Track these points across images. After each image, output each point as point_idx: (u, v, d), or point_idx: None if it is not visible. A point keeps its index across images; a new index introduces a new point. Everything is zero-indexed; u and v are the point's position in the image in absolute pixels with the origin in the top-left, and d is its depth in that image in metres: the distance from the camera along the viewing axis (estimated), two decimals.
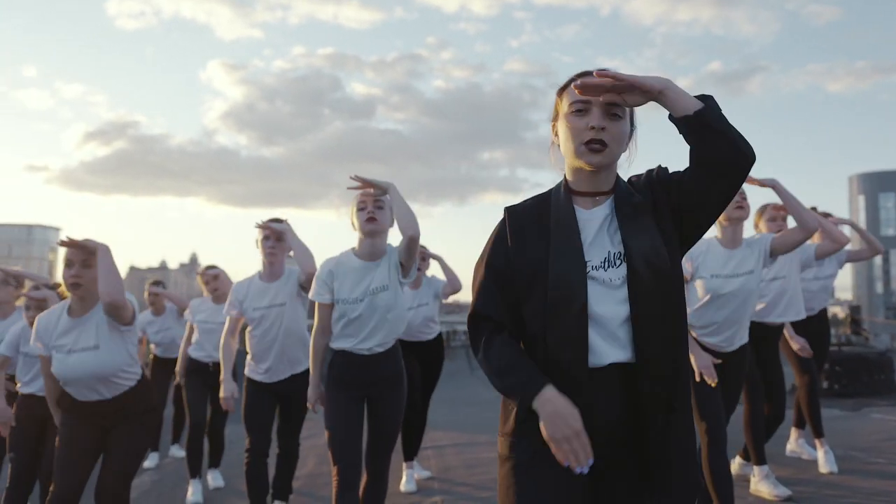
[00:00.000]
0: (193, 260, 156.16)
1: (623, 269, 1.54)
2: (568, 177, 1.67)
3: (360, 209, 3.13)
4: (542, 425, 1.49)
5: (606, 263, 1.55)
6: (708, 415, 3.24)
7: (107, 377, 3.03)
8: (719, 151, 1.49)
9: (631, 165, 1.70)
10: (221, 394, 3.86)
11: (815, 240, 4.39)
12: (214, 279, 5.12)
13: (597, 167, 1.59)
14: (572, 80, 1.63)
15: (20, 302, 4.31)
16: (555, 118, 1.68)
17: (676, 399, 1.55)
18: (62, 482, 2.98)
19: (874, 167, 61.52)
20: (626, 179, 1.68)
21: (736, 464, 4.53)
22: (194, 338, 5.08)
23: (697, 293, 3.36)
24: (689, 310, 3.39)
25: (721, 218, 3.39)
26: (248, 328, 3.88)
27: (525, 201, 1.70)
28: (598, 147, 1.56)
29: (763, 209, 4.41)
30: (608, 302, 1.53)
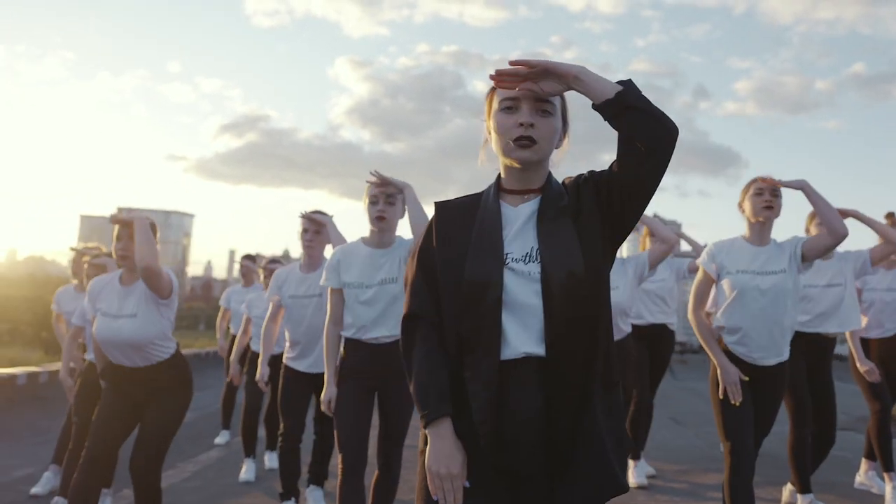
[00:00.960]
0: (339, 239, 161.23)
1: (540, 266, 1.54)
2: (501, 174, 1.68)
3: (372, 203, 3.19)
4: (426, 451, 1.53)
5: (528, 258, 1.55)
6: (732, 435, 3.09)
7: (140, 346, 3.23)
8: (644, 130, 1.49)
9: (560, 163, 1.70)
10: (256, 376, 4.02)
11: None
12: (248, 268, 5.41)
13: (525, 164, 1.60)
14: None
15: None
16: (487, 116, 1.68)
17: (587, 398, 1.52)
18: (94, 444, 3.21)
19: None
20: (560, 180, 1.67)
21: (786, 491, 4.29)
22: (251, 329, 5.36)
23: (725, 293, 3.22)
24: (718, 312, 3.27)
25: (749, 215, 3.26)
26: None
27: (457, 198, 1.72)
28: (527, 143, 1.57)
29: (814, 215, 4.13)
30: (526, 293, 1.53)
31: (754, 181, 3.31)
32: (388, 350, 3.16)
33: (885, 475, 4.36)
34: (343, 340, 3.26)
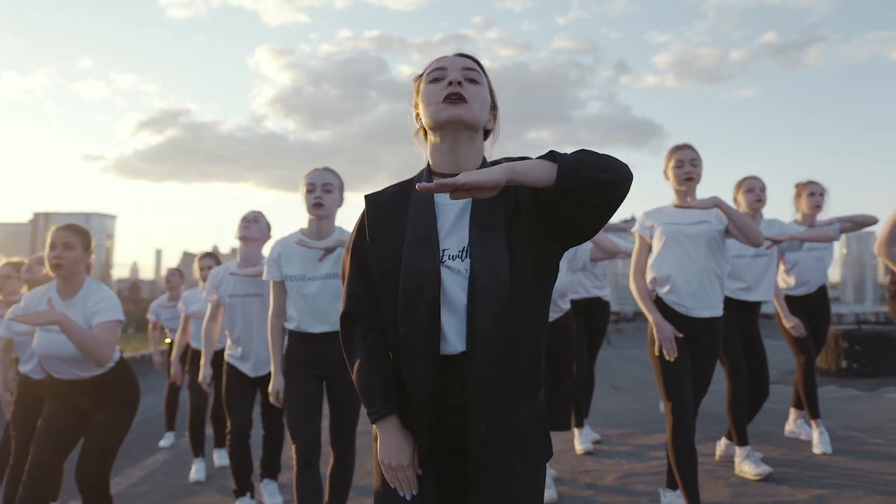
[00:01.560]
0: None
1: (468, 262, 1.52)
2: (430, 158, 1.63)
3: (309, 191, 3.20)
4: (378, 447, 1.57)
5: (463, 253, 1.52)
6: (673, 394, 3.23)
7: (83, 359, 3.15)
8: (594, 198, 1.42)
9: (494, 146, 1.68)
10: (199, 377, 3.99)
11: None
12: (209, 269, 5.34)
13: (456, 124, 1.54)
14: (429, 68, 1.64)
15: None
16: (416, 104, 1.66)
17: (508, 403, 1.49)
18: (39, 458, 3.13)
19: None
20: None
21: (722, 444, 4.51)
22: (192, 327, 5.31)
23: (656, 246, 3.41)
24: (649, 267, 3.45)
25: (673, 184, 3.49)
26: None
27: (386, 188, 1.67)
28: (457, 99, 1.53)
29: (742, 182, 4.40)
30: (458, 291, 1.50)
31: (674, 151, 3.51)
32: (333, 339, 3.17)
33: (812, 422, 4.62)
34: (287, 332, 3.28)
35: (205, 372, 4.01)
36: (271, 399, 3.28)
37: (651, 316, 3.32)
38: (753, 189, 4.31)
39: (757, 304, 4.33)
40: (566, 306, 4.31)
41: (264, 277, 3.31)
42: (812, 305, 4.79)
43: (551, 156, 1.44)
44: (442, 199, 1.58)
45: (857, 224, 4.55)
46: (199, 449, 5.16)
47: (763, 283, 4.27)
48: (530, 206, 1.53)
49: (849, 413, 5.72)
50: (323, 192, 3.19)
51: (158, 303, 6.58)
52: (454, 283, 1.50)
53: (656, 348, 3.27)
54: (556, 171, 1.40)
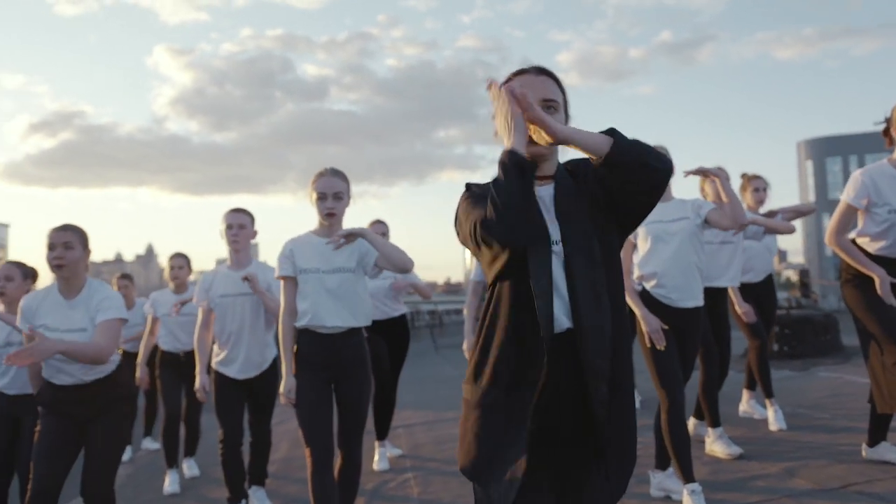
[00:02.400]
0: (150, 251, 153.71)
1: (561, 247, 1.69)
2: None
3: (321, 199, 3.26)
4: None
5: (557, 241, 1.68)
6: (666, 380, 3.43)
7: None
8: (638, 179, 1.62)
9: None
10: (196, 385, 3.94)
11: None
12: (180, 269, 5.24)
13: (532, 157, 1.69)
14: (509, 78, 1.79)
15: None
16: (496, 110, 1.72)
17: (614, 372, 1.65)
18: (40, 475, 3.05)
19: (822, 132, 63.03)
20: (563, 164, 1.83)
21: (691, 424, 4.78)
22: (160, 329, 5.17)
23: (641, 244, 3.62)
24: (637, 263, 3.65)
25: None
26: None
27: (484, 184, 1.80)
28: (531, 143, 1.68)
29: (749, 180, 4.86)
30: (561, 273, 1.66)
31: None
32: (342, 339, 3.22)
33: (767, 401, 4.96)
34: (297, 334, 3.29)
35: (202, 379, 3.95)
36: (282, 399, 3.27)
37: (638, 310, 3.52)
38: (759, 189, 4.78)
39: (725, 291, 4.62)
40: None
41: (276, 275, 3.32)
42: (761, 292, 5.13)
43: (611, 131, 1.64)
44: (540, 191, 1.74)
45: (798, 213, 4.93)
46: (172, 459, 5.06)
47: (730, 270, 4.57)
48: (602, 200, 1.71)
49: (790, 392, 6.15)
50: (335, 201, 3.25)
51: None
52: (557, 267, 1.66)
53: (647, 340, 3.47)
54: (611, 143, 1.60)
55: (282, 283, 3.31)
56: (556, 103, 1.75)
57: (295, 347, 3.25)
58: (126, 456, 6.16)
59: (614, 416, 1.67)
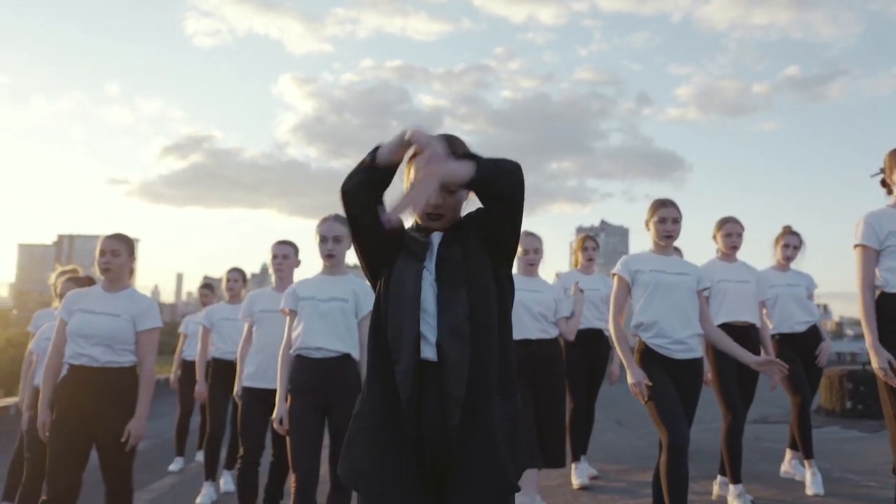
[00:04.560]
0: (264, 270, 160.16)
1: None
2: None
3: (322, 242, 3.54)
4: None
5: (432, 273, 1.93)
6: (666, 419, 3.36)
7: (116, 341, 3.41)
8: (501, 188, 1.83)
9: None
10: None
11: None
12: (235, 282, 5.66)
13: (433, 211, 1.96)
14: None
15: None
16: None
17: (478, 402, 1.82)
18: (56, 480, 3.26)
19: None
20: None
21: (717, 484, 4.58)
22: (218, 341, 5.43)
23: (640, 292, 3.60)
24: (635, 311, 3.62)
25: (654, 237, 3.70)
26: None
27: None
28: (436, 217, 1.95)
29: (722, 223, 4.57)
30: (432, 302, 1.89)
31: (658, 207, 3.70)
32: (335, 366, 3.37)
33: (805, 462, 4.70)
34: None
35: (239, 387, 4.20)
36: (275, 426, 3.45)
37: (625, 360, 3.51)
38: (731, 234, 4.51)
39: (752, 332, 4.42)
40: (553, 331, 4.43)
41: (280, 307, 3.60)
42: (805, 344, 4.86)
43: (470, 156, 1.83)
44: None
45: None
46: (211, 471, 5.31)
47: (749, 306, 4.43)
48: (478, 238, 1.92)
49: (847, 455, 5.77)
50: (334, 244, 3.53)
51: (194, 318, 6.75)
52: (429, 295, 1.87)
53: (632, 389, 3.43)
54: (475, 166, 1.79)
55: (287, 317, 3.59)
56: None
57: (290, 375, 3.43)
58: (177, 467, 6.51)
59: (472, 440, 1.81)
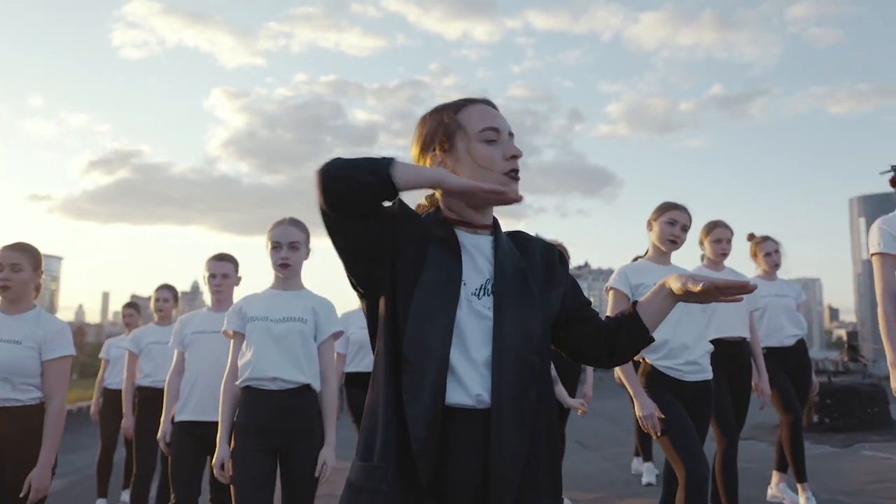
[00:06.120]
0: (195, 288, 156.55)
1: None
2: (445, 202, 1.48)
3: (275, 248, 2.98)
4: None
5: (481, 291, 1.40)
6: (686, 454, 2.91)
7: (16, 374, 2.79)
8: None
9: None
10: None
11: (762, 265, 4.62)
12: (165, 301, 5.03)
13: (514, 202, 1.45)
14: (459, 105, 1.49)
15: None
16: (431, 146, 1.50)
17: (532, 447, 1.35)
18: None
19: (875, 189, 61.65)
20: None
21: None
22: (147, 367, 4.78)
23: None
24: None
25: (656, 239, 3.30)
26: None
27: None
28: (517, 177, 1.46)
29: (711, 227, 4.14)
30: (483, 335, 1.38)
31: (670, 208, 3.29)
32: (292, 400, 2.83)
33: (799, 486, 4.36)
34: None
35: (165, 428, 3.57)
36: (216, 473, 2.88)
37: (632, 389, 3.05)
38: (721, 240, 4.07)
39: (743, 347, 4.02)
40: None
41: (224, 327, 3.02)
42: (792, 359, 4.53)
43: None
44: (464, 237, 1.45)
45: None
46: None
47: (744, 320, 4.04)
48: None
49: (828, 473, 5.49)
50: (290, 251, 2.97)
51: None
52: (475, 326, 1.35)
53: (651, 425, 2.97)
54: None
55: (231, 341, 3.02)
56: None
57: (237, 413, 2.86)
58: None
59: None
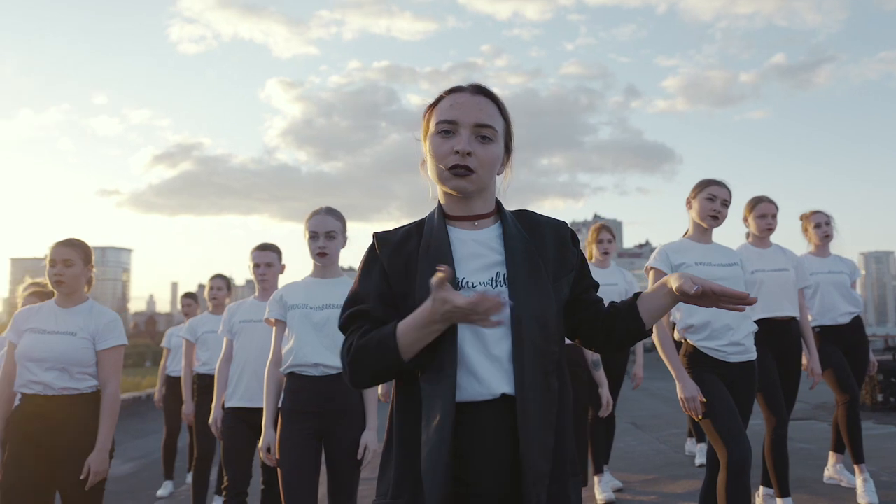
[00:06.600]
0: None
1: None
2: (441, 199, 1.52)
3: (312, 238, 3.06)
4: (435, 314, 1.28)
5: (493, 282, 1.42)
6: (729, 437, 2.88)
7: (73, 364, 2.94)
8: None
9: (507, 184, 1.56)
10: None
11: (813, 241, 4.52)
12: (219, 290, 5.22)
13: (462, 192, 1.45)
14: (441, 97, 1.50)
15: None
16: (424, 137, 1.53)
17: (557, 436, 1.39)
18: None
19: None
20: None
21: (760, 496, 4.12)
22: (203, 355, 4.96)
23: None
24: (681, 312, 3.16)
25: (696, 216, 3.25)
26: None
27: (397, 229, 1.54)
28: (463, 172, 1.43)
29: (755, 203, 4.04)
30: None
31: (707, 185, 3.24)
32: (332, 387, 2.91)
33: (856, 467, 4.25)
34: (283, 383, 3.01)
35: (216, 414, 3.73)
36: (262, 455, 3.00)
37: (675, 372, 3.04)
38: (766, 215, 3.98)
39: (792, 326, 3.93)
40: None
41: (265, 316, 3.13)
42: (849, 337, 4.41)
43: None
44: (459, 233, 1.47)
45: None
46: (200, 499, 4.85)
47: (793, 298, 3.94)
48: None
49: (890, 454, 5.33)
50: (327, 241, 3.05)
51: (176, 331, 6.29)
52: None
53: (693, 406, 2.95)
54: None
55: (273, 329, 3.14)
56: (492, 130, 1.44)
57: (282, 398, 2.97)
58: (166, 491, 6.03)
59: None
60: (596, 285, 1.57)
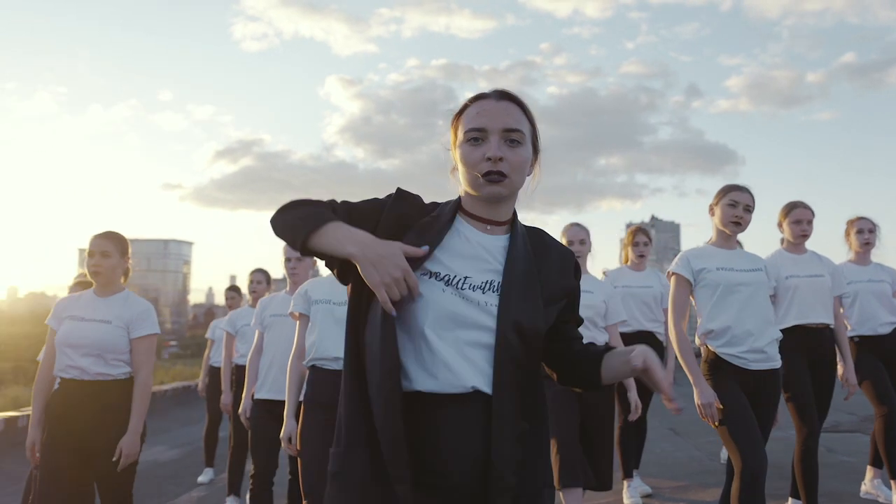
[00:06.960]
0: (315, 273, 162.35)
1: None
2: (463, 196, 1.55)
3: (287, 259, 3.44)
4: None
5: (486, 287, 1.44)
6: (745, 445, 2.88)
7: (107, 350, 3.08)
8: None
9: (533, 188, 1.59)
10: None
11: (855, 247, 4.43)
12: (259, 283, 5.46)
13: (497, 199, 1.48)
14: (466, 105, 1.53)
15: None
16: (453, 146, 1.56)
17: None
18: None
19: None
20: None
21: None
22: (242, 347, 5.10)
23: (707, 295, 3.13)
24: (702, 318, 3.16)
25: (719, 223, 3.22)
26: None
27: (417, 197, 1.56)
28: (497, 178, 1.45)
29: (790, 208, 3.95)
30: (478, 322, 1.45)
31: (729, 190, 3.21)
32: None
33: (893, 483, 4.14)
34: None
35: (246, 404, 3.86)
36: (283, 445, 3.10)
37: (692, 377, 3.01)
38: (801, 221, 3.89)
39: (826, 334, 3.85)
40: (601, 338, 3.86)
41: (290, 310, 3.26)
42: (888, 347, 4.28)
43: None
44: (467, 229, 1.50)
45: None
46: (234, 486, 5.03)
47: (828, 305, 3.86)
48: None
49: None
50: (296, 262, 3.46)
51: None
52: (474, 317, 1.41)
53: (711, 414, 2.94)
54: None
55: (297, 322, 3.27)
56: (520, 134, 1.47)
57: (304, 391, 3.07)
58: (206, 478, 6.22)
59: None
60: (580, 321, 1.60)
